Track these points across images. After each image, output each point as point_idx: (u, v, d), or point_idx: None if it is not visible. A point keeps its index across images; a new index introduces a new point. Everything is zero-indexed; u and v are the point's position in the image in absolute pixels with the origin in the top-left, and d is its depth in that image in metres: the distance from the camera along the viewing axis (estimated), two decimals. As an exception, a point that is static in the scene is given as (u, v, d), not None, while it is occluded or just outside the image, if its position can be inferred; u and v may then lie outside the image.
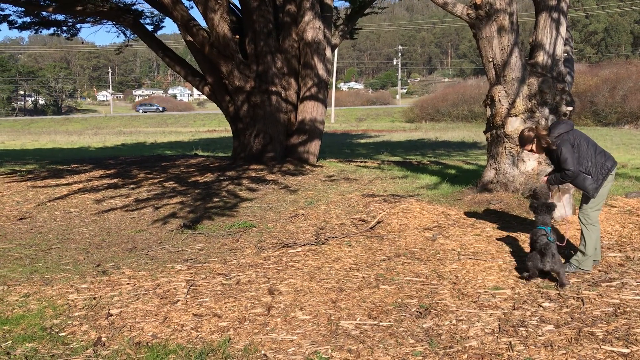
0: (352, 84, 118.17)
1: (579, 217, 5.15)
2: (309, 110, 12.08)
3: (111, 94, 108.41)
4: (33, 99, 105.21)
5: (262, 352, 3.74)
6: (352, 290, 4.81)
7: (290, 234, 7.05)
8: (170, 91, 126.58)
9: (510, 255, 5.66)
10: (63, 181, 11.88)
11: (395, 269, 5.37)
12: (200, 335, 4.01)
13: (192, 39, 10.88)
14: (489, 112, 7.82)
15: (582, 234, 5.08)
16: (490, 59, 7.51)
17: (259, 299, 4.66)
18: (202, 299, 4.70)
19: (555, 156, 5.06)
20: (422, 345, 3.76)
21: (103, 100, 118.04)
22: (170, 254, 6.39)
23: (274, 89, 11.46)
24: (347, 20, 13.67)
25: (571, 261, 5.08)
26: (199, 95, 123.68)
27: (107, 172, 12.97)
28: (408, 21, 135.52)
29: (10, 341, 4.01)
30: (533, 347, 3.64)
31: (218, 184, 10.55)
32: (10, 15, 15.30)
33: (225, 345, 3.83)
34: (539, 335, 3.81)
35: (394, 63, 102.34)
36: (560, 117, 7.42)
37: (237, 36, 10.91)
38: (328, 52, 12.33)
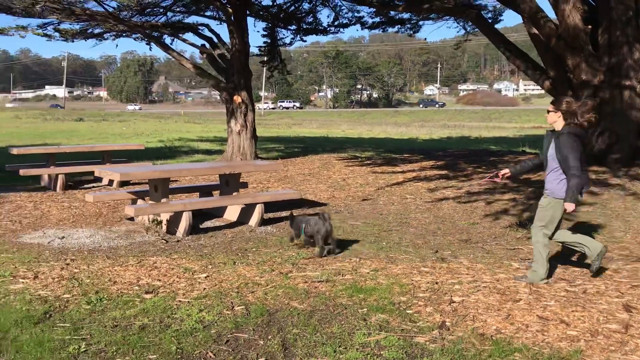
0: None
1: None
2: (670, 109, 10.48)
3: (438, 89, 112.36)
4: (368, 92, 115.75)
5: (621, 373, 3.39)
6: None
7: (643, 247, 6.24)
8: (495, 86, 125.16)
9: None
10: (397, 169, 12.74)
11: None
12: (546, 340, 3.83)
13: (537, 32, 10.47)
14: None
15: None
16: None
17: (613, 314, 4.24)
18: (545, 302, 4.49)
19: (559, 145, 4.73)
20: None
21: (429, 95, 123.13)
22: (506, 251, 6.28)
23: (627, 83, 10.28)
24: None
25: None
26: (525, 90, 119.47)
27: (437, 163, 13.46)
28: None
29: (366, 309, 4.45)
30: None
31: (553, 184, 9.98)
32: (363, 16, 17.02)
33: (576, 356, 3.58)
34: None
35: None
36: None
37: (590, 26, 10.08)
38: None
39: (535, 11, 10.09)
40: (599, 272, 4.98)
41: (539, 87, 13.34)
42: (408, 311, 4.40)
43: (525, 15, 10.45)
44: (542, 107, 65.45)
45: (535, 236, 5.02)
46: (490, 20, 14.41)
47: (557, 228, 4.99)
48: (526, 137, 28.39)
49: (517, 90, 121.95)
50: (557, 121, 4.88)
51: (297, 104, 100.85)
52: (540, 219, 4.97)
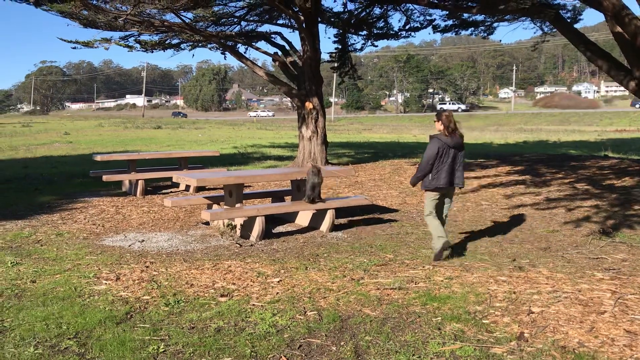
0: None
1: None
2: None
3: (513, 91, 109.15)
4: (440, 96, 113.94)
5: None
6: None
7: None
8: (575, 88, 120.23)
9: None
10: (472, 174, 12.43)
11: None
12: (635, 355, 3.61)
13: (621, 30, 9.95)
14: None
15: None
16: None
17: None
18: (633, 315, 4.24)
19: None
20: None
21: (504, 98, 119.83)
22: (588, 260, 5.99)
23: None
24: None
25: None
26: (607, 91, 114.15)
27: (514, 168, 13.05)
28: None
29: (440, 317, 4.35)
30: None
31: (639, 190, 9.45)
32: (435, 19, 16.76)
33: (668, 375, 3.36)
34: None
35: None
36: None
37: (679, 23, 9.47)
38: None
39: (619, 8, 9.60)
40: (438, 257, 6.09)
41: (622, 89, 12.68)
42: (484, 321, 4.27)
43: (608, 14, 9.94)
44: (626, 109, 62.33)
45: (425, 218, 6.38)
46: (569, 20, 13.84)
47: (440, 211, 6.33)
48: (608, 140, 27.06)
49: (598, 92, 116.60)
50: (440, 129, 6.17)
51: (463, 107, 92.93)
52: (425, 205, 6.34)
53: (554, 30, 13.91)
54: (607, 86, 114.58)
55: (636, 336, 3.88)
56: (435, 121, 6.31)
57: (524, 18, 14.51)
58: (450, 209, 6.75)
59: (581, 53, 12.41)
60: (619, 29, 10.18)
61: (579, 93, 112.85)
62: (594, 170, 11.85)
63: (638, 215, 7.94)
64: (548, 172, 12.15)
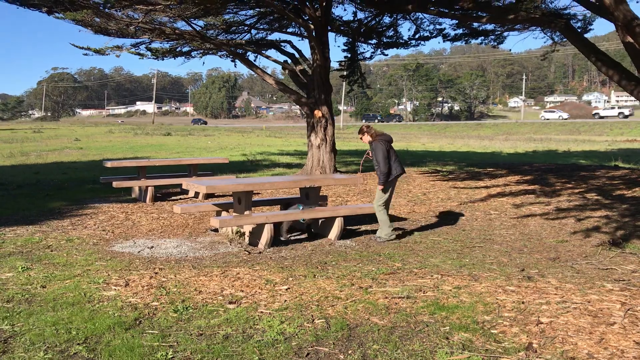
0: None
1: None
2: None
3: (523, 101, 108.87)
4: (449, 105, 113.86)
5: None
6: None
7: None
8: (585, 97, 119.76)
9: None
10: (481, 184, 12.41)
11: None
12: (645, 368, 3.59)
13: (632, 40, 9.92)
14: None
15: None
16: None
17: None
18: (643, 327, 4.21)
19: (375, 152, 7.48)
20: None
21: (514, 107, 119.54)
22: (598, 271, 5.96)
23: None
24: None
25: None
26: (618, 101, 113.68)
27: (523, 178, 13.01)
28: None
29: (448, 327, 4.34)
30: None
31: (650, 201, 9.40)
32: (445, 28, 16.79)
33: (679, 387, 3.33)
34: None
35: None
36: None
37: (690, 33, 9.43)
38: None
39: (630, 19, 9.57)
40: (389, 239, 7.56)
41: (632, 98, 12.65)
42: (492, 331, 4.26)
43: (619, 24, 9.92)
44: (637, 120, 61.82)
45: (376, 210, 7.60)
46: (579, 30, 13.84)
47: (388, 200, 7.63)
48: (619, 150, 26.89)
49: (608, 101, 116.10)
50: (368, 139, 7.59)
51: (565, 115, 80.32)
52: (378, 198, 7.59)
53: (564, 39, 13.89)
54: (618, 96, 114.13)
55: (646, 348, 3.86)
56: (361, 136, 7.65)
57: (534, 27, 14.50)
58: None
59: (591, 63, 12.38)
60: (629, 39, 10.15)
61: (589, 103, 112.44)
62: (604, 181, 11.79)
63: (648, 226, 7.89)
64: (558, 182, 12.10)
